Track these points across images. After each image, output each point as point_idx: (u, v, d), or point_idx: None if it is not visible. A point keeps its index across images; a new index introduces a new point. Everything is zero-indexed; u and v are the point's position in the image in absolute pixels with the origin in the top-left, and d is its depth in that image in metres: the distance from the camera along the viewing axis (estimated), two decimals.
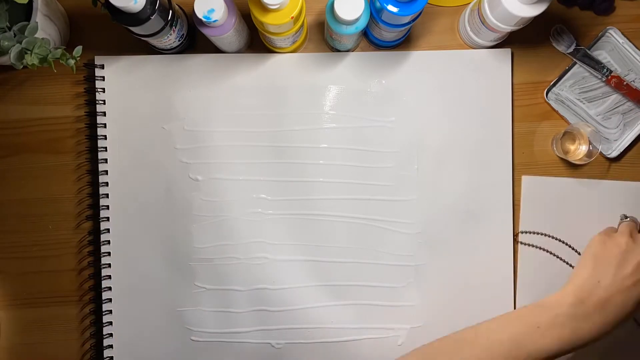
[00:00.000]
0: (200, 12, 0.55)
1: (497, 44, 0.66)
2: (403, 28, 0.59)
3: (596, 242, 0.61)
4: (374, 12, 0.58)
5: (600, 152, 0.66)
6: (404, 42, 0.67)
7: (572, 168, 0.67)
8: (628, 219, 0.64)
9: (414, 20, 0.58)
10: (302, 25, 0.60)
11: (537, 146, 0.67)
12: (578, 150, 0.65)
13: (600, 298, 0.56)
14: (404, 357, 0.58)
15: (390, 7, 0.54)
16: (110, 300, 0.66)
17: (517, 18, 0.56)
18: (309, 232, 0.66)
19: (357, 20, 0.56)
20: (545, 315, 0.56)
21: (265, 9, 0.55)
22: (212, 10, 0.55)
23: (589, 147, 0.64)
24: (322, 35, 0.67)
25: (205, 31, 0.58)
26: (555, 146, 0.66)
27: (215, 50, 0.66)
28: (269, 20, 0.55)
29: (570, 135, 0.66)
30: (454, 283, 0.66)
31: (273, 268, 0.65)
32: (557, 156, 0.67)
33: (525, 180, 0.66)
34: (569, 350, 0.55)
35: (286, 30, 0.58)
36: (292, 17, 0.55)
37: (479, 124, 0.66)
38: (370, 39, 0.66)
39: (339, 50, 0.66)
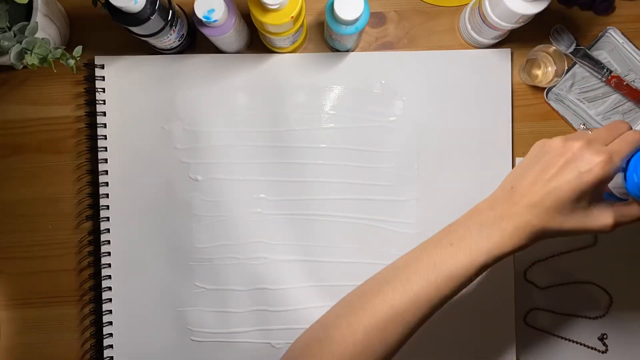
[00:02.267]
0: (200, 12, 0.55)
1: (498, 42, 0.66)
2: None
3: (540, 144, 0.49)
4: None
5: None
6: (404, 42, 0.67)
7: None
8: (584, 127, 0.55)
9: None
10: (301, 25, 0.60)
11: None
12: (547, 73, 0.65)
13: (510, 202, 0.47)
14: (330, 311, 0.53)
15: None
16: (110, 300, 0.66)
17: (518, 15, 0.56)
18: (309, 232, 0.66)
19: (356, 20, 0.56)
20: (458, 229, 0.49)
21: (265, 9, 0.55)
22: (212, 10, 0.55)
23: (555, 66, 0.64)
24: (322, 35, 0.67)
25: (205, 31, 0.58)
26: (523, 77, 0.66)
27: (215, 50, 0.66)
28: (268, 20, 0.55)
29: (534, 61, 0.66)
30: None
31: (273, 268, 0.65)
32: (526, 84, 0.67)
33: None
34: (490, 260, 0.47)
35: (286, 30, 0.58)
36: (292, 17, 0.55)
37: (479, 124, 0.66)
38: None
39: (338, 50, 0.66)
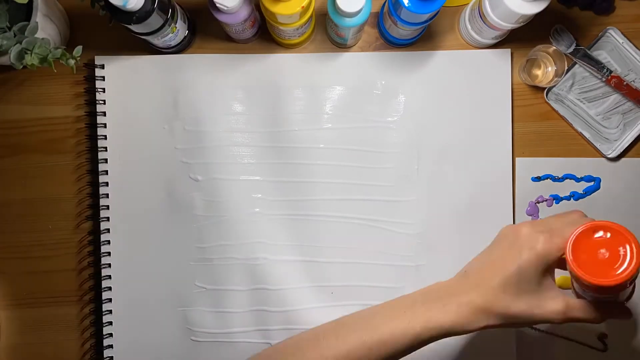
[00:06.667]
0: None
1: (498, 42, 0.66)
2: (419, 27, 0.59)
3: (500, 233, 0.51)
4: (392, 9, 0.58)
5: (600, 151, 0.66)
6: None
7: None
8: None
9: (431, 18, 0.58)
10: (311, 16, 0.60)
11: (537, 146, 0.67)
12: (547, 73, 0.65)
13: (460, 283, 0.50)
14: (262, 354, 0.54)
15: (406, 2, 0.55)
16: (110, 300, 0.66)
17: (518, 15, 0.57)
18: (308, 233, 0.66)
19: (358, 12, 0.56)
20: (408, 299, 0.51)
21: None
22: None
23: (555, 66, 0.64)
24: (323, 35, 0.67)
25: (221, 17, 0.57)
26: (523, 77, 0.66)
27: (219, 45, 0.66)
28: (279, 10, 0.55)
29: (534, 61, 0.66)
30: None
31: (273, 268, 0.65)
32: (527, 84, 0.67)
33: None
34: (425, 332, 0.48)
35: (296, 20, 0.58)
36: (303, 7, 0.55)
37: (479, 124, 0.66)
38: (386, 37, 0.66)
39: (338, 44, 0.66)
